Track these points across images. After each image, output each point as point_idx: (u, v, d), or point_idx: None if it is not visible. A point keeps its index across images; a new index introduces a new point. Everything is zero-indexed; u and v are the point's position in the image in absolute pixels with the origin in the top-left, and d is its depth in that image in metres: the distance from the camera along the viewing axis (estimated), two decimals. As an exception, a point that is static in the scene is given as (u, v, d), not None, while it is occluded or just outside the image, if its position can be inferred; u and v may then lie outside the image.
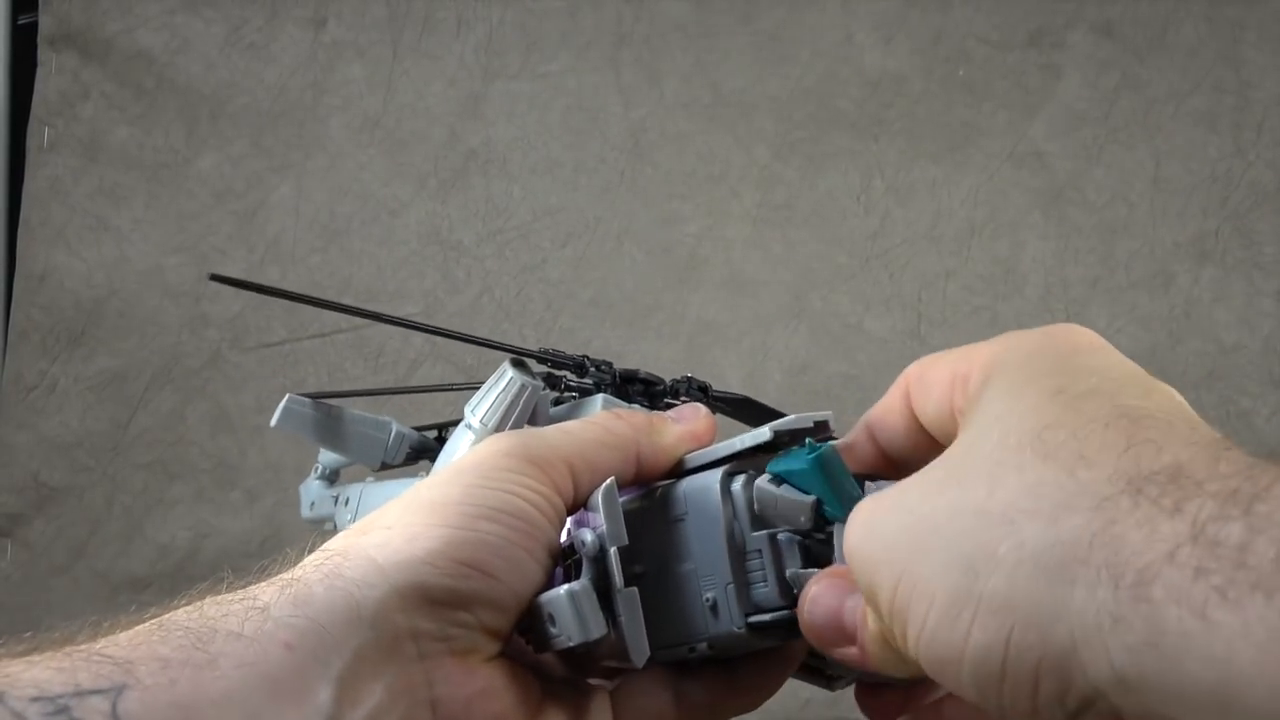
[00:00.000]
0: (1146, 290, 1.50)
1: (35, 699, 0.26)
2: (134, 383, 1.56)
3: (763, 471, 0.35)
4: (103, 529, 1.55)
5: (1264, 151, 1.51)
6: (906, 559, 0.27)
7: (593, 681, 0.37)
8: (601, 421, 0.38)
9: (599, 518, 0.34)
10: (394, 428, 0.76)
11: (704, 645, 0.35)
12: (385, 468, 0.78)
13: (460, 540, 0.32)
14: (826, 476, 0.33)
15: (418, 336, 1.49)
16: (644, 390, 0.59)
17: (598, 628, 0.33)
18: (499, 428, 0.54)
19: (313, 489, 0.88)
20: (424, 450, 0.78)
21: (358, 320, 1.51)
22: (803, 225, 1.54)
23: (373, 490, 0.78)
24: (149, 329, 1.57)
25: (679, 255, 1.54)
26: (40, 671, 0.27)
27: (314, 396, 0.74)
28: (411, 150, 1.58)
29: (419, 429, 0.78)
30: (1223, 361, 1.48)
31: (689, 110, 1.56)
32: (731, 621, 0.34)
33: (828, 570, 0.32)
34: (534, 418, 0.57)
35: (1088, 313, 1.46)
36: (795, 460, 0.33)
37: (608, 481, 0.35)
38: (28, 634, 0.29)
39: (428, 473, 0.76)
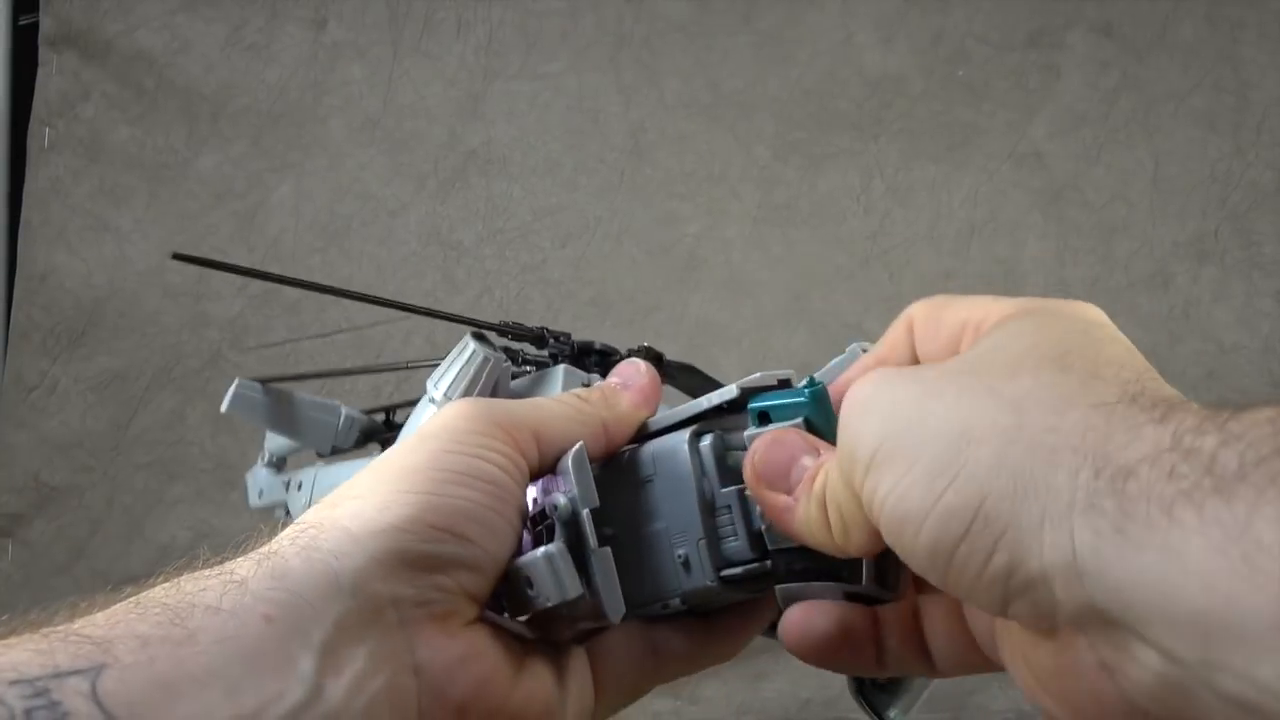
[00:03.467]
0: (1146, 290, 1.50)
1: (14, 682, 0.26)
2: (134, 383, 1.56)
3: (728, 430, 0.36)
4: (103, 529, 1.55)
5: (1264, 151, 1.51)
6: (904, 421, 0.28)
7: (558, 637, 0.37)
8: (567, 399, 0.38)
9: (568, 481, 0.35)
10: (344, 411, 0.75)
11: (677, 601, 0.37)
12: (335, 452, 0.77)
13: (434, 505, 0.33)
14: (823, 410, 0.34)
15: (417, 335, 1.49)
16: (599, 360, 0.59)
17: (574, 588, 0.34)
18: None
19: (260, 477, 0.86)
20: (373, 433, 0.77)
21: (358, 320, 1.51)
22: (803, 225, 1.54)
23: (327, 473, 0.77)
24: (149, 329, 1.57)
25: (679, 255, 1.54)
26: (18, 654, 0.26)
27: (265, 381, 0.73)
28: (411, 150, 1.58)
29: (368, 412, 0.77)
30: (1222, 361, 1.48)
31: (689, 110, 1.56)
32: (704, 576, 0.35)
33: (793, 429, 0.34)
34: (495, 390, 0.57)
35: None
36: (790, 395, 0.35)
37: (577, 445, 0.35)
38: (4, 617, 0.28)
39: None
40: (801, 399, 0.34)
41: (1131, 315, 1.47)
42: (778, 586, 0.35)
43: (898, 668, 0.34)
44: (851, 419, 0.30)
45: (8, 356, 1.59)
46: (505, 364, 0.56)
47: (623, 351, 0.60)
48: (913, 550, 0.28)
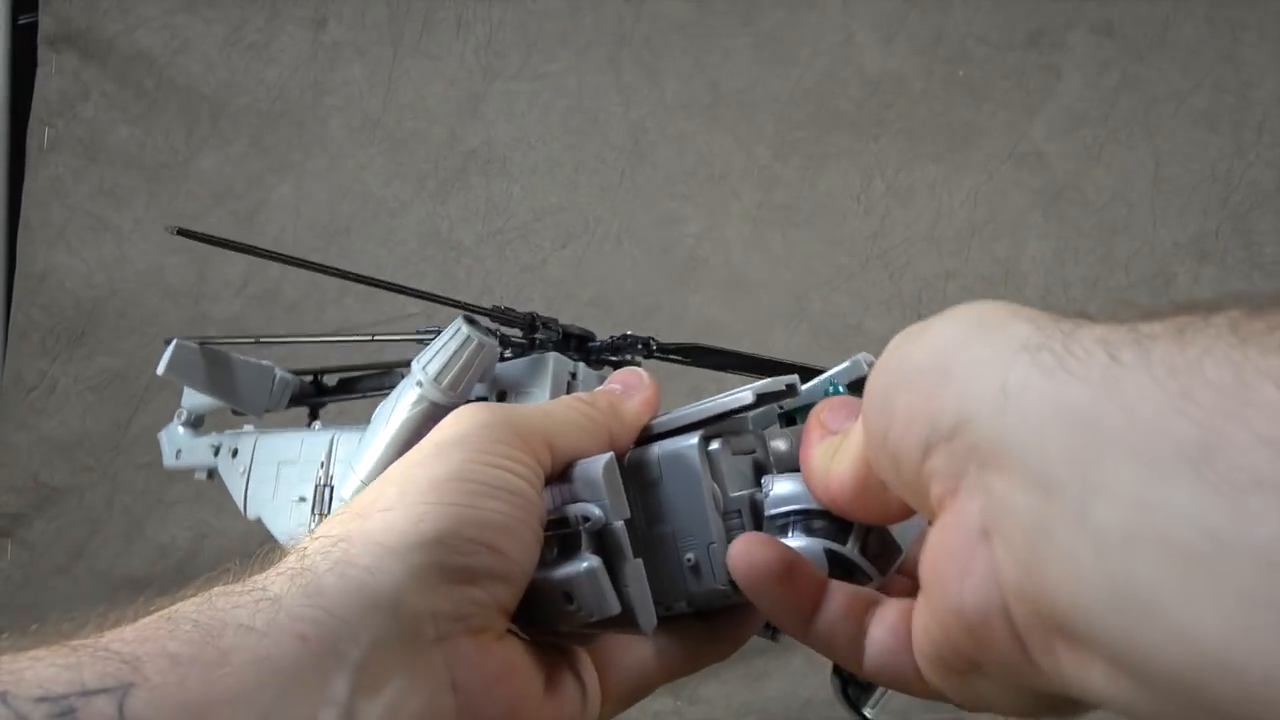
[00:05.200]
0: (1146, 290, 1.50)
1: (40, 699, 0.25)
2: (134, 383, 1.56)
3: (735, 434, 0.36)
4: (103, 529, 1.55)
5: (1264, 151, 1.51)
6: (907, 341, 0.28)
7: (572, 643, 0.37)
8: (577, 405, 0.38)
9: (599, 493, 0.35)
10: (277, 373, 0.74)
11: (683, 604, 0.37)
12: (265, 412, 0.75)
13: (467, 518, 0.32)
14: None
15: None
16: (578, 345, 0.58)
17: (615, 604, 0.34)
18: (453, 386, 0.53)
19: (178, 436, 0.83)
20: (302, 396, 0.75)
21: (358, 319, 1.51)
22: (803, 225, 1.54)
23: (267, 443, 0.74)
24: (149, 329, 1.56)
25: (679, 255, 1.54)
26: (45, 669, 0.26)
27: (202, 342, 0.70)
28: (411, 150, 1.58)
29: (297, 373, 0.76)
30: (1223, 361, 1.48)
31: (689, 110, 1.56)
32: (714, 580, 0.35)
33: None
34: (484, 376, 0.56)
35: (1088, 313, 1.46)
36: (806, 400, 0.37)
37: (608, 457, 0.35)
38: (34, 626, 0.28)
39: (310, 425, 0.74)
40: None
41: (1132, 315, 1.47)
42: None
43: (822, 642, 0.33)
44: (887, 366, 0.30)
45: (7, 356, 1.59)
46: (497, 350, 0.56)
47: (601, 338, 0.59)
48: (868, 403, 0.28)
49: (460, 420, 0.35)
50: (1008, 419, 0.24)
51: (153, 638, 0.27)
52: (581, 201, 1.56)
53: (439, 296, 0.57)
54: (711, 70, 1.56)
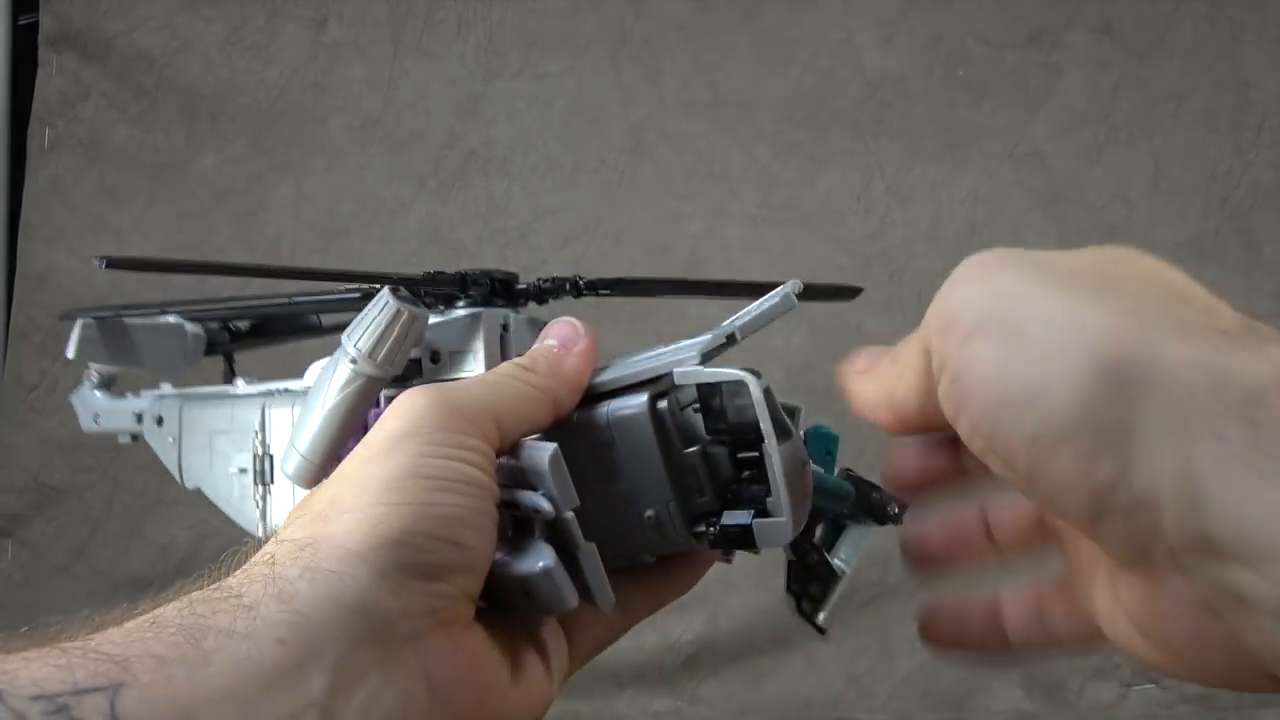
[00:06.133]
0: (1146, 290, 1.49)
1: (35, 698, 0.26)
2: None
3: (678, 388, 0.37)
4: (103, 529, 1.55)
5: (1264, 151, 1.51)
6: (1016, 299, 0.28)
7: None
8: (518, 374, 0.38)
9: (547, 484, 0.35)
10: (188, 329, 0.71)
11: (647, 556, 0.38)
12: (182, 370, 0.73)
13: (426, 514, 0.33)
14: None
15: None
16: (503, 291, 0.58)
17: (573, 598, 0.35)
18: (388, 360, 0.52)
19: (94, 400, 0.80)
20: (216, 345, 0.73)
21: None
22: (803, 225, 1.54)
23: (195, 411, 0.71)
24: (149, 329, 1.56)
25: (679, 255, 1.54)
26: (39, 669, 0.27)
27: (97, 316, 0.67)
28: (411, 150, 1.58)
29: (202, 319, 0.73)
30: (1223, 361, 1.48)
31: (689, 110, 1.56)
32: (677, 535, 0.36)
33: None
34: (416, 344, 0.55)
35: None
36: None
37: (552, 449, 0.35)
38: (24, 628, 0.29)
39: (232, 380, 0.71)
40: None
41: (1132, 315, 1.47)
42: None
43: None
44: (959, 284, 0.30)
45: (8, 356, 1.59)
46: (426, 317, 0.55)
47: (528, 281, 0.58)
48: (1004, 433, 0.27)
49: (408, 408, 0.35)
50: (1207, 520, 0.23)
51: (139, 640, 0.28)
52: (581, 201, 1.56)
53: (365, 274, 0.57)
54: (711, 70, 1.56)
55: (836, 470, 0.40)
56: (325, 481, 0.35)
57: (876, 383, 0.34)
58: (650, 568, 0.40)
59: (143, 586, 1.55)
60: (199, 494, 0.70)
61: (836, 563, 0.41)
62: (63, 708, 0.26)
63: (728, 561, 0.41)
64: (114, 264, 0.52)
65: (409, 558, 0.32)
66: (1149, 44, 1.53)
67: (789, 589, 0.42)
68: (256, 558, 0.32)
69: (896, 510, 0.39)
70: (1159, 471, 0.24)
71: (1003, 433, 0.27)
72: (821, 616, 0.41)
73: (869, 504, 0.39)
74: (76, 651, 0.28)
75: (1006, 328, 0.27)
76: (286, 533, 0.33)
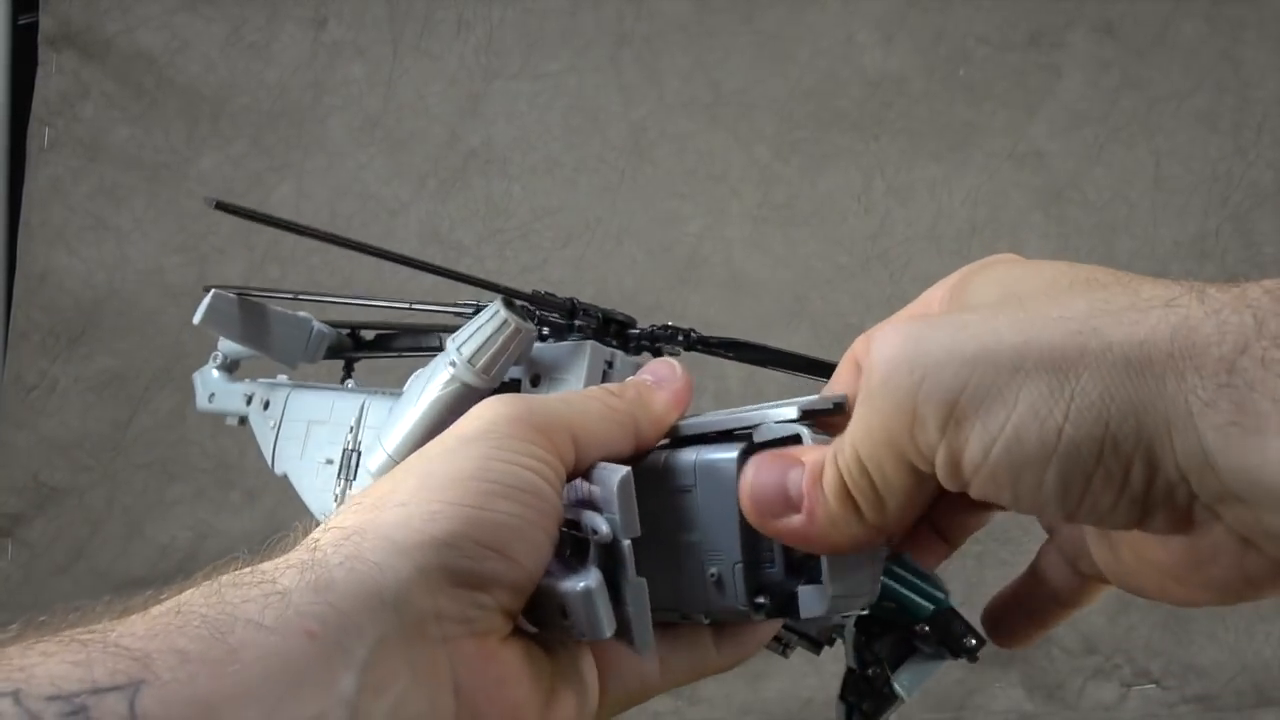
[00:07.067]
0: (1147, 290, 1.49)
1: (52, 698, 0.25)
2: (134, 383, 1.56)
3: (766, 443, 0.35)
4: (103, 529, 1.55)
5: (1264, 151, 1.51)
6: (971, 367, 0.28)
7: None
8: (602, 396, 0.37)
9: (611, 508, 0.34)
10: (315, 326, 0.73)
11: (702, 615, 0.36)
12: (301, 364, 0.74)
13: (480, 520, 0.32)
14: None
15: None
16: (618, 332, 0.57)
17: (610, 627, 0.33)
18: (486, 369, 0.52)
19: (213, 380, 0.82)
20: (340, 349, 0.75)
21: (358, 318, 1.51)
22: (803, 225, 1.54)
23: (300, 399, 0.73)
24: (149, 329, 1.56)
25: (679, 255, 1.54)
26: (56, 666, 0.26)
27: (240, 292, 0.70)
28: (411, 150, 1.58)
29: (333, 324, 0.75)
30: (1223, 361, 1.48)
31: (689, 110, 1.56)
32: (736, 599, 0.35)
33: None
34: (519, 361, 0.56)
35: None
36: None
37: (624, 472, 0.34)
38: (43, 617, 0.28)
39: (344, 381, 0.73)
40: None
41: (1132, 315, 1.47)
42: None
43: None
44: (897, 375, 0.29)
45: (7, 356, 1.58)
46: (534, 334, 0.54)
47: (642, 326, 0.58)
48: (1033, 491, 0.27)
49: (485, 413, 0.35)
50: (1225, 480, 0.26)
51: (162, 633, 0.27)
52: (581, 201, 1.56)
53: (480, 280, 0.57)
54: (712, 69, 1.56)
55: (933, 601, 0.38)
56: (391, 471, 0.34)
57: (848, 516, 0.31)
58: (699, 632, 0.38)
59: (142, 586, 1.53)
60: (285, 480, 0.71)
61: (898, 685, 0.39)
62: (80, 709, 0.25)
63: (784, 655, 0.40)
64: (222, 206, 0.52)
65: (453, 562, 0.31)
66: (1149, 44, 1.53)
67: (842, 696, 0.40)
68: (305, 541, 0.32)
69: (974, 644, 0.37)
70: (1180, 459, 0.26)
71: (1023, 491, 0.28)
72: None
73: (947, 631, 0.37)
74: (96, 646, 0.27)
75: (983, 398, 0.27)
76: (338, 519, 0.33)
